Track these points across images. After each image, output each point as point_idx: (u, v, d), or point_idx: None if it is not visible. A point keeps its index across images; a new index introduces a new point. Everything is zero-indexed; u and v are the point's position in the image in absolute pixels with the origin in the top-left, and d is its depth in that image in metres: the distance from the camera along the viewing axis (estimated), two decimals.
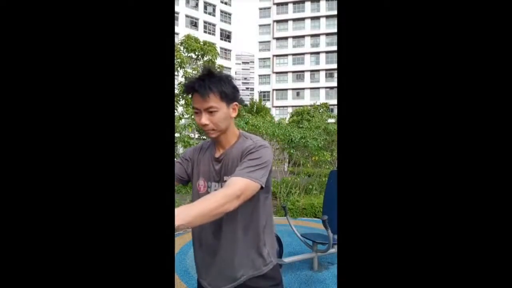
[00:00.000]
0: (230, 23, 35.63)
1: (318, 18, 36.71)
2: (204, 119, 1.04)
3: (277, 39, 38.16)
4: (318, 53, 36.69)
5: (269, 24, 38.85)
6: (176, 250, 3.55)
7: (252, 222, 1.12)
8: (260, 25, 39.69)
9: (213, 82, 1.03)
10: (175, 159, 1.20)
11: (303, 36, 37.26)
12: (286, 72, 37.63)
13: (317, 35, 36.68)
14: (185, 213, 0.89)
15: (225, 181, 1.12)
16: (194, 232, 1.18)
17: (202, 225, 1.13)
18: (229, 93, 1.06)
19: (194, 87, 1.03)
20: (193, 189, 1.20)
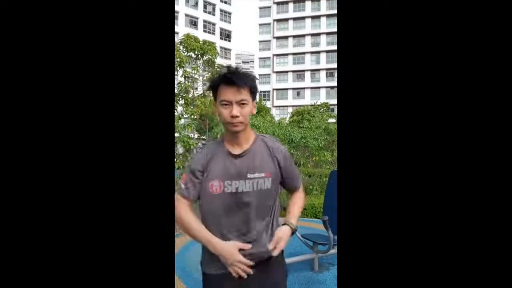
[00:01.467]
0: (230, 22, 35.60)
1: (318, 17, 36.66)
2: (236, 111, 1.09)
3: (277, 38, 38.12)
4: (318, 52, 36.65)
5: (269, 23, 38.81)
6: (176, 250, 3.55)
7: (273, 219, 1.20)
8: (260, 24, 39.65)
9: (246, 77, 1.11)
10: (185, 183, 1.17)
11: (303, 35, 37.21)
12: (286, 72, 37.59)
13: (318, 34, 36.63)
14: (297, 216, 1.26)
15: (249, 178, 1.14)
16: (215, 232, 1.15)
17: (227, 228, 1.14)
18: (256, 89, 1.14)
19: (232, 79, 1.08)
20: (203, 190, 1.16)
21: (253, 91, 1.13)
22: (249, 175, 1.14)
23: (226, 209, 1.14)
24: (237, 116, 1.09)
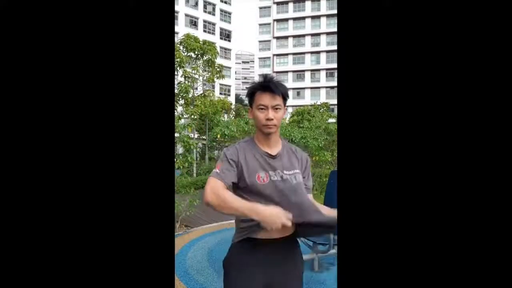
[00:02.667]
0: (230, 22, 35.56)
1: (318, 17, 36.67)
2: (271, 114, 1.22)
3: (277, 38, 38.12)
4: (318, 52, 36.65)
5: (269, 23, 38.81)
6: (176, 251, 3.55)
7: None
8: (260, 24, 39.65)
9: (280, 85, 1.26)
10: (226, 166, 1.22)
11: (303, 35, 37.21)
12: (287, 72, 37.57)
13: (318, 34, 36.64)
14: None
15: (286, 174, 1.27)
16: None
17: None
18: (287, 97, 1.28)
19: (269, 86, 1.22)
20: (250, 184, 1.23)
21: (285, 97, 1.26)
22: (285, 172, 1.28)
23: (273, 197, 1.21)
24: (272, 119, 1.22)
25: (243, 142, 1.32)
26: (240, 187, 1.24)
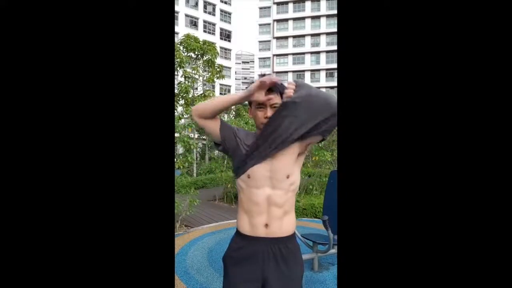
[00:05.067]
0: (230, 22, 35.58)
1: (318, 17, 36.71)
2: (270, 113, 1.26)
3: (277, 38, 38.15)
4: (318, 52, 36.69)
5: (269, 24, 38.86)
6: (176, 251, 3.55)
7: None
8: (260, 25, 39.71)
9: (278, 84, 1.26)
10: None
11: (303, 36, 37.25)
12: (286, 72, 37.59)
13: (318, 35, 36.67)
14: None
15: None
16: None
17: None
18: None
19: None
20: (246, 169, 1.29)
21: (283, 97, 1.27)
22: None
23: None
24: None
25: (243, 132, 1.37)
26: (239, 175, 1.27)
